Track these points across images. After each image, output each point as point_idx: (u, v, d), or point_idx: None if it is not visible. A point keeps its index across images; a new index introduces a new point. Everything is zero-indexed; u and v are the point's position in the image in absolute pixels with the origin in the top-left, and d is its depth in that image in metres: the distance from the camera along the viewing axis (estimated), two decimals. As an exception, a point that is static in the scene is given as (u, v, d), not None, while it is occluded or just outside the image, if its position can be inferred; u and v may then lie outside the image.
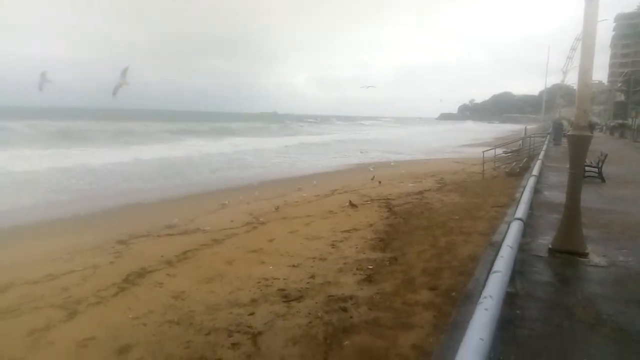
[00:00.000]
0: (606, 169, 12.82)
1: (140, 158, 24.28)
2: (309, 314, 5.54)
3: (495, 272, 2.63)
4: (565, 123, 39.88)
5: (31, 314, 5.71)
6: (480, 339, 1.84)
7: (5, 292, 6.40)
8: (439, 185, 15.97)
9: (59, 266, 7.41)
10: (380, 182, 16.82)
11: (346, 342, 4.80)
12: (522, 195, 6.22)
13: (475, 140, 49.72)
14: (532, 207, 7.72)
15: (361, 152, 32.09)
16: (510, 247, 3.17)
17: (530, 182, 7.37)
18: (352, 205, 12.29)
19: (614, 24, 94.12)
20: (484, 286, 2.50)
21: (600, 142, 26.51)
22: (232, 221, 10.59)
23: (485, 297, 2.27)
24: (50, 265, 7.43)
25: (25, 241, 8.98)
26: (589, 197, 8.90)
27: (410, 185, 16.07)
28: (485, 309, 2.15)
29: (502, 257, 2.92)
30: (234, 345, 4.88)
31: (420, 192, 14.19)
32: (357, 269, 7.11)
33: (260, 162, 26.52)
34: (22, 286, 6.58)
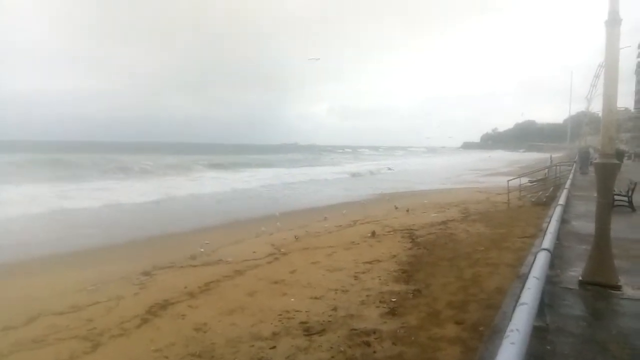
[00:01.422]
0: (637, 198, 12.45)
1: (218, 190, 25.78)
2: (331, 348, 5.43)
3: (521, 304, 2.55)
4: (591, 151, 39.00)
5: (56, 345, 5.76)
6: (507, 374, 1.78)
7: (31, 322, 6.50)
8: (463, 215, 15.73)
9: (84, 297, 7.52)
10: (408, 211, 16.81)
11: (370, 378, 4.68)
12: (548, 225, 6.06)
13: (500, 169, 49.14)
14: (560, 237, 7.51)
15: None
16: (537, 279, 3.08)
17: (557, 211, 7.20)
18: (374, 235, 12.21)
19: (639, 51, 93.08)
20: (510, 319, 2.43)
21: (629, 170, 25.82)
22: (254, 252, 10.60)
23: (512, 331, 2.19)
24: (75, 296, 7.54)
25: (52, 272, 9.16)
26: (620, 227, 8.62)
27: (434, 215, 15.87)
28: (512, 343, 2.07)
29: (529, 288, 2.83)
30: (255, 379, 4.80)
31: (444, 222, 13.99)
32: (380, 302, 6.98)
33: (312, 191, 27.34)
34: (48, 317, 6.68)
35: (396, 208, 17.68)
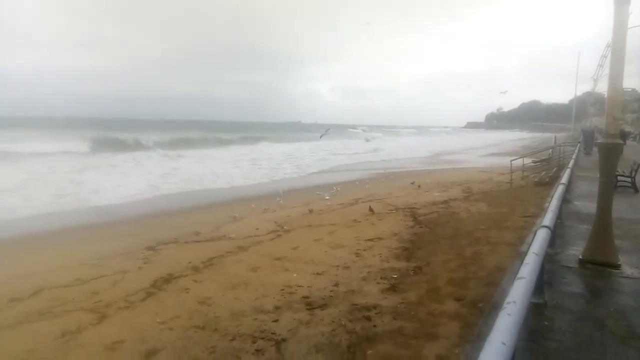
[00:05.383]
0: (640, 179, 12.42)
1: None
2: (333, 322, 5.53)
3: (519, 278, 2.59)
4: (596, 132, 38.64)
5: (62, 317, 5.88)
6: (503, 343, 1.83)
7: (37, 295, 6.62)
8: (465, 194, 15.75)
9: (90, 271, 7.63)
10: (419, 186, 17.64)
11: (370, 352, 4.78)
12: (549, 203, 6.08)
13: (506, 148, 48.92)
14: (561, 216, 7.54)
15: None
16: (536, 254, 3.11)
17: (559, 190, 7.20)
18: (371, 211, 12.39)
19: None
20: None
21: (635, 152, 25.68)
22: (257, 229, 10.70)
23: (508, 303, 2.24)
24: (81, 270, 7.66)
25: (58, 246, 9.28)
26: (622, 207, 8.64)
27: (436, 194, 15.90)
28: (509, 314, 2.12)
29: (527, 263, 2.88)
30: (258, 351, 4.92)
31: (446, 201, 14.02)
32: (381, 278, 7.07)
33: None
34: (54, 290, 6.79)
35: (412, 184, 18.42)
